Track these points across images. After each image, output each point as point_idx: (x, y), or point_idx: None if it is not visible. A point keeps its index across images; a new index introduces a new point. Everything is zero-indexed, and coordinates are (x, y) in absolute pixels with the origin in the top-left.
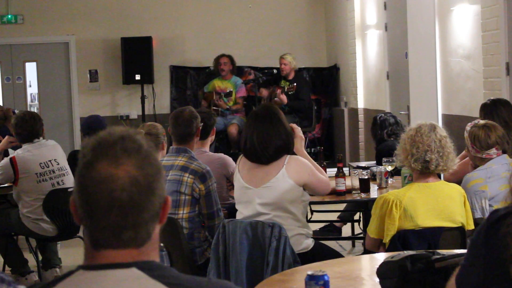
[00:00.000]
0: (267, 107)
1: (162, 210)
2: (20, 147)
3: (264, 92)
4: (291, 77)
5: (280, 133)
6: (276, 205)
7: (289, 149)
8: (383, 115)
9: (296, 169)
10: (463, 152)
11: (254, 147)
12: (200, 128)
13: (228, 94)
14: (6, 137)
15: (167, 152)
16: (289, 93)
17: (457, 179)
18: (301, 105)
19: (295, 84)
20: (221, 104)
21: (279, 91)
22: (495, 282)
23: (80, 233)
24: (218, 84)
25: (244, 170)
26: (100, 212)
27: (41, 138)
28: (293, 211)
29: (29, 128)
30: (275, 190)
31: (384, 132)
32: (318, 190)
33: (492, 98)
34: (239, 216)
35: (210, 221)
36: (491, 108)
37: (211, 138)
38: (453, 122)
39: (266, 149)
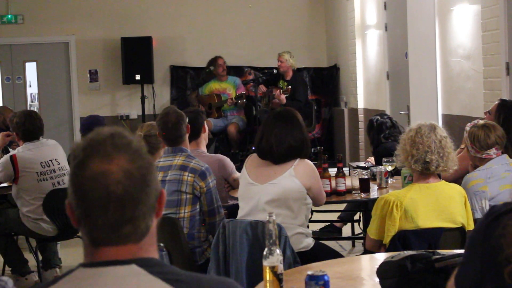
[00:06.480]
0: (289, 110)
1: (158, 204)
2: (15, 141)
3: (263, 89)
4: (289, 77)
5: (296, 135)
6: (279, 202)
7: (301, 154)
8: (379, 117)
9: (304, 171)
10: (458, 149)
11: (270, 144)
12: (189, 126)
13: (240, 97)
14: (2, 133)
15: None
16: (285, 95)
17: (455, 177)
18: (297, 106)
19: (289, 87)
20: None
21: (278, 91)
22: (491, 282)
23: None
24: (215, 86)
25: (251, 169)
26: (98, 209)
27: (40, 137)
28: (296, 210)
29: (28, 127)
30: (280, 187)
31: (381, 136)
32: (317, 198)
33: (504, 98)
34: (240, 212)
35: (211, 218)
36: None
37: (204, 136)
38: (453, 122)
39: (280, 146)
